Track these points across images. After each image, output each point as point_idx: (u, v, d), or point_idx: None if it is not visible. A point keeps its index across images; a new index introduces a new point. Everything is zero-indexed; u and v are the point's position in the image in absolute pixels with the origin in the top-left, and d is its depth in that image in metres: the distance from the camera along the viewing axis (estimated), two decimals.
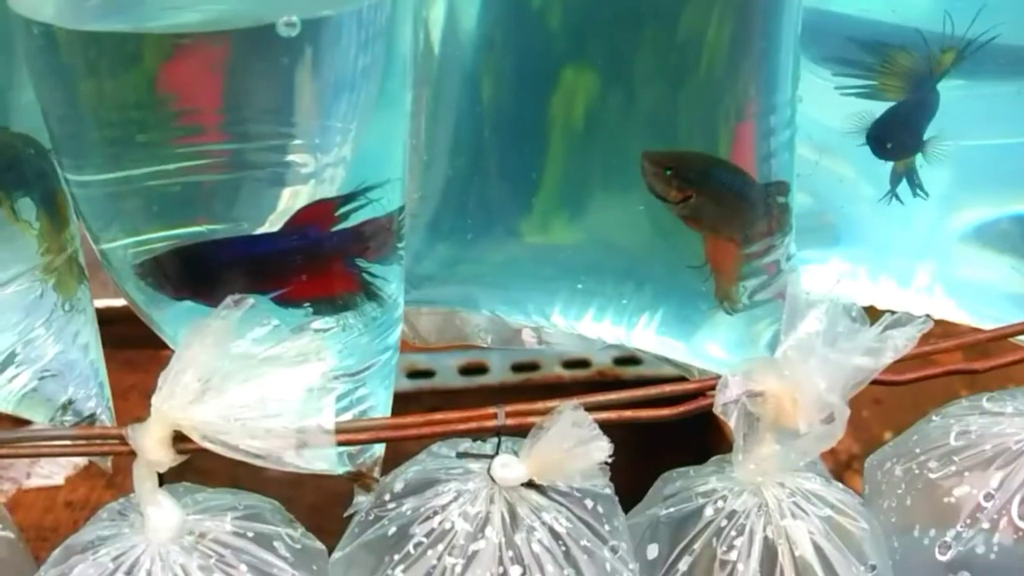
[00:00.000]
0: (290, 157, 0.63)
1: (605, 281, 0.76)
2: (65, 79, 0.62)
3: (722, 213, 0.71)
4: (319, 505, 1.12)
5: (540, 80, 0.69)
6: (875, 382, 0.68)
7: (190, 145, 0.62)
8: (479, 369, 1.65)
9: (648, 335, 0.77)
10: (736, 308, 0.74)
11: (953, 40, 0.76)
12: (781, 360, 0.67)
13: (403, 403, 1.61)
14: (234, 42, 0.60)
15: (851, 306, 0.67)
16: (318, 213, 0.66)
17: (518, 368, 1.65)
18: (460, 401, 1.60)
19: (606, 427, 0.68)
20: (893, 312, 0.67)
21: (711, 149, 0.70)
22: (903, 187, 0.82)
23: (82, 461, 1.31)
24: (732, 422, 0.67)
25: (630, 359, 1.65)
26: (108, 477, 1.37)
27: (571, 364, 1.66)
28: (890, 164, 0.81)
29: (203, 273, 0.66)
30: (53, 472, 1.32)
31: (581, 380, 1.65)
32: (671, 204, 0.69)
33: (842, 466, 1.32)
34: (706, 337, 0.75)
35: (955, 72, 0.77)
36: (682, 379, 0.75)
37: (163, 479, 1.36)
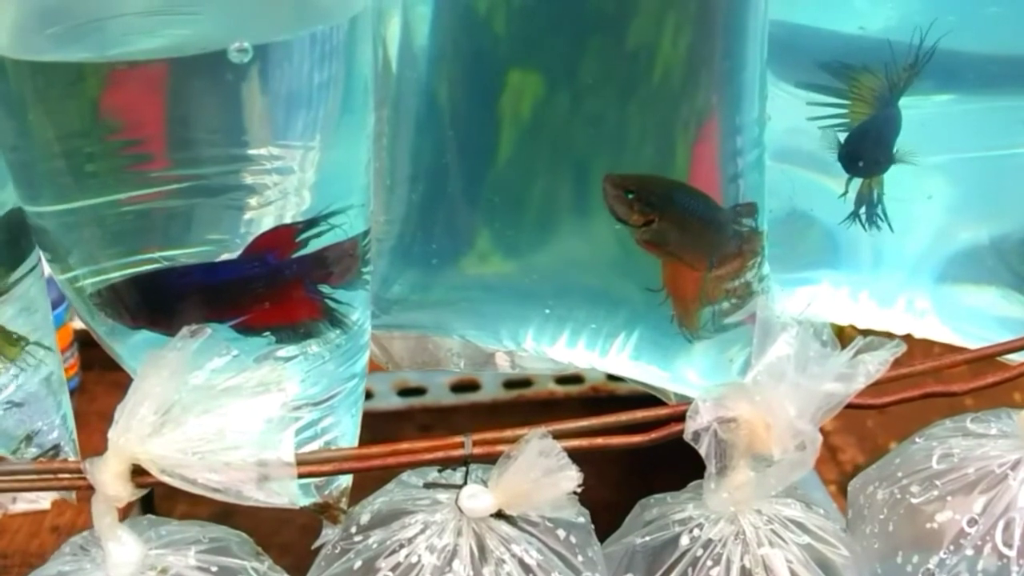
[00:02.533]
0: (245, 182, 0.62)
1: (577, 305, 0.74)
2: (14, 109, 0.61)
3: (684, 238, 0.69)
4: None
5: (491, 91, 0.67)
6: (851, 406, 0.66)
7: (141, 173, 0.60)
8: (471, 386, 1.65)
9: (622, 359, 0.75)
10: (696, 335, 0.72)
11: (913, 54, 0.74)
12: (752, 385, 0.66)
13: (395, 421, 1.61)
14: (182, 68, 0.58)
15: (821, 329, 0.65)
16: (278, 239, 0.64)
17: (510, 385, 1.64)
18: (452, 419, 1.60)
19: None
20: (865, 335, 0.65)
21: (670, 167, 0.68)
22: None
23: None
24: (703, 450, 0.66)
25: None
26: None
27: (564, 380, 1.66)
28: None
29: (160, 302, 0.65)
30: (39, 497, 1.31)
31: (574, 396, 1.64)
32: (633, 228, 0.68)
33: (848, 478, 1.30)
34: (680, 361, 0.74)
35: (917, 87, 0.76)
36: (657, 403, 0.73)
37: (154, 501, 1.35)
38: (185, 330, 0.63)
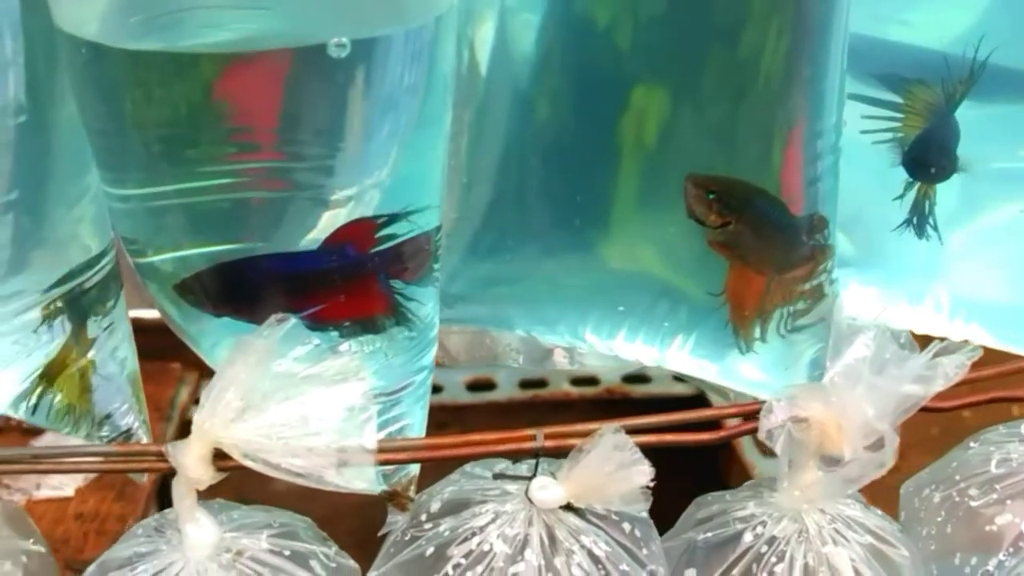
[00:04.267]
0: (335, 177, 0.63)
1: (640, 301, 0.75)
2: (111, 94, 0.61)
3: (756, 244, 0.70)
4: (329, 517, 1.11)
5: (605, 100, 0.68)
6: (921, 409, 0.67)
7: (237, 162, 0.61)
8: (487, 385, 1.65)
9: (683, 356, 0.76)
10: (749, 346, 0.73)
11: (968, 67, 0.76)
12: (828, 386, 0.67)
13: None
14: (287, 61, 0.59)
15: (900, 332, 0.67)
16: (358, 232, 0.65)
17: (526, 385, 1.65)
18: (467, 417, 1.60)
19: None
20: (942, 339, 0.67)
21: (765, 171, 0.69)
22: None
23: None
24: (777, 448, 0.67)
25: (639, 377, 1.65)
26: (118, 489, 1.36)
27: (579, 381, 1.66)
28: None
29: (243, 290, 0.66)
30: (63, 483, 1.32)
31: (589, 397, 1.64)
32: (709, 229, 0.69)
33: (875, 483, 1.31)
34: (743, 361, 0.74)
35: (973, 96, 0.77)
36: (700, 399, 0.75)
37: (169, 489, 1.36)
38: (273, 318, 0.64)
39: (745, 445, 1.44)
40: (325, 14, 0.61)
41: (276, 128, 0.60)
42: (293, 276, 0.66)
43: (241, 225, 0.64)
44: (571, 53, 0.68)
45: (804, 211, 0.69)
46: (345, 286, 0.67)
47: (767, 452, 1.42)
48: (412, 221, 0.67)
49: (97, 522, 1.31)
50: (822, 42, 0.66)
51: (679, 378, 1.64)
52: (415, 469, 0.74)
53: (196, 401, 0.76)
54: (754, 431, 0.69)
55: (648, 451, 0.68)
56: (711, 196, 0.68)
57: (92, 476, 1.35)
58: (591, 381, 1.65)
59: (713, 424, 0.75)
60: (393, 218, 0.66)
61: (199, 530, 0.68)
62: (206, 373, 0.77)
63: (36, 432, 1.41)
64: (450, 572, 0.69)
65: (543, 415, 1.63)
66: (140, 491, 1.39)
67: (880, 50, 0.77)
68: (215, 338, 0.68)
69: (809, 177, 0.69)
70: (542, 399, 1.64)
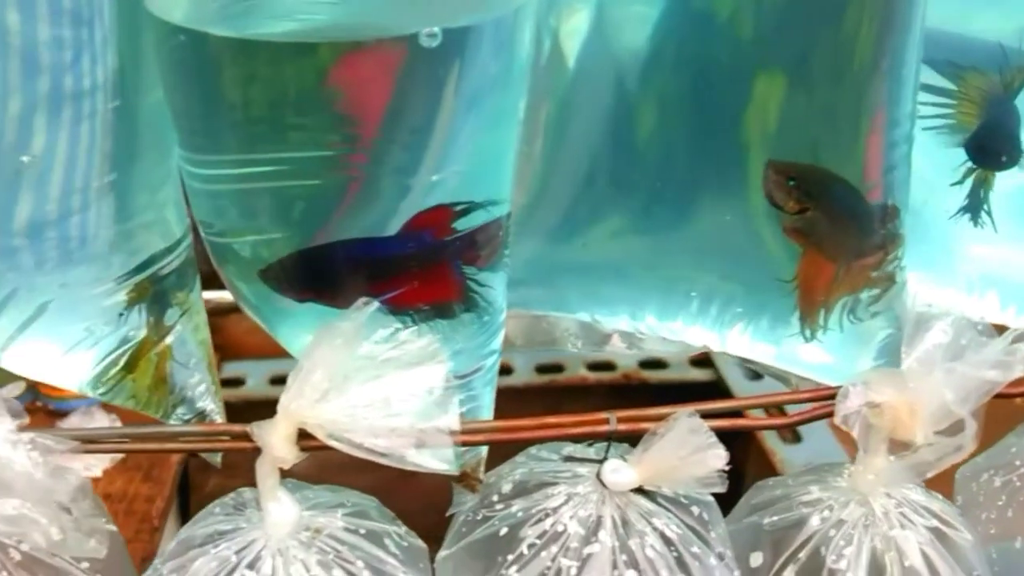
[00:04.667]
0: (420, 165, 0.64)
1: (705, 286, 0.77)
2: (206, 78, 0.62)
3: (831, 231, 0.71)
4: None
5: (727, 91, 0.69)
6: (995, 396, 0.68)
7: (336, 149, 0.62)
8: (503, 370, 1.65)
9: (743, 341, 0.77)
10: (814, 333, 0.74)
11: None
12: (906, 372, 0.68)
13: None
14: (397, 51, 0.60)
15: (978, 319, 0.68)
16: (436, 219, 0.66)
17: (542, 369, 1.66)
18: None
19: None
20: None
21: (853, 157, 0.70)
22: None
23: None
24: (855, 432, 0.68)
25: (656, 362, 1.66)
26: (144, 470, 1.37)
27: (596, 366, 1.67)
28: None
29: (327, 276, 0.67)
30: (92, 464, 1.32)
31: (606, 383, 1.65)
32: (785, 215, 0.70)
33: None
34: (806, 344, 0.75)
35: None
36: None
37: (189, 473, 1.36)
38: (359, 301, 0.64)
39: (767, 433, 1.45)
40: (404, 4, 0.63)
41: (379, 117, 0.61)
42: (373, 261, 0.67)
43: (323, 209, 0.65)
44: (689, 46, 0.69)
45: (881, 199, 0.70)
46: (421, 272, 0.68)
47: (789, 440, 1.44)
48: (487, 209, 0.67)
49: (125, 503, 1.32)
50: (903, 29, 0.67)
51: (696, 364, 1.65)
52: (484, 451, 0.75)
53: None
54: (827, 416, 0.70)
55: None
56: (791, 183, 0.69)
57: (119, 457, 1.36)
58: (608, 366, 1.66)
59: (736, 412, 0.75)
60: (471, 206, 0.67)
61: (280, 508, 0.69)
62: None
63: (62, 414, 1.42)
64: (525, 551, 0.70)
65: (560, 400, 1.64)
66: (166, 472, 1.40)
67: (932, 37, 0.77)
68: (297, 321, 0.69)
69: (887, 164, 0.70)
70: (559, 384, 1.65)
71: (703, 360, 1.63)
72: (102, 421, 1.46)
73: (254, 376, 1.59)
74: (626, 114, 0.70)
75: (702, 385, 1.64)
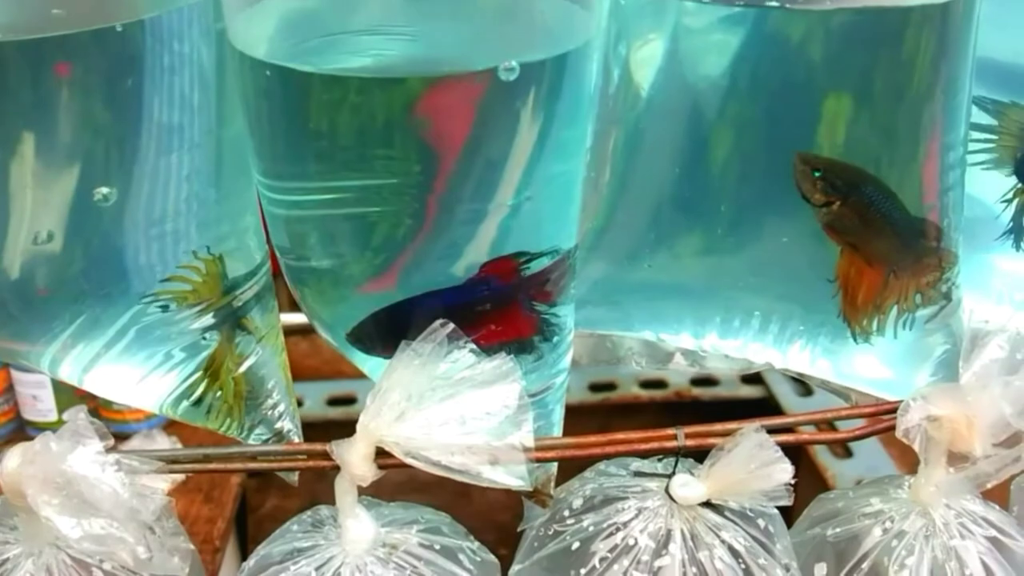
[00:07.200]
0: (495, 192, 0.66)
1: (763, 304, 0.78)
2: (295, 109, 0.65)
3: (865, 230, 0.73)
4: None
5: (800, 112, 0.71)
6: None
7: (412, 176, 0.65)
8: None
9: (804, 357, 0.79)
10: (865, 337, 0.76)
11: None
12: (964, 386, 0.70)
13: None
14: (471, 83, 0.62)
15: None
16: (503, 268, 0.69)
17: (595, 388, 1.67)
18: None
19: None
20: None
21: (908, 177, 0.72)
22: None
23: (181, 476, 1.33)
24: (916, 445, 0.70)
25: (707, 380, 1.68)
26: (205, 492, 1.39)
27: (648, 384, 1.68)
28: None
29: (409, 330, 0.69)
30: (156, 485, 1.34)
31: (658, 400, 1.67)
32: (817, 210, 0.71)
33: None
34: (865, 359, 0.77)
35: None
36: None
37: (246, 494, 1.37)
38: (436, 323, 0.67)
39: (818, 448, 1.47)
40: (471, 40, 0.65)
41: (460, 146, 0.64)
42: (449, 310, 0.69)
43: (404, 235, 0.67)
44: (764, 70, 0.70)
45: (939, 218, 0.72)
46: (495, 315, 0.71)
47: (840, 455, 1.45)
48: (551, 255, 0.70)
49: (187, 524, 1.33)
50: (957, 55, 0.69)
51: (747, 380, 1.67)
52: (554, 467, 0.77)
53: None
54: (885, 431, 0.72)
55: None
56: (816, 174, 0.70)
57: (180, 478, 1.38)
58: (660, 384, 1.68)
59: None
60: (532, 257, 0.70)
61: (359, 525, 0.71)
62: None
63: (123, 437, 1.44)
64: (597, 565, 0.72)
65: (611, 417, 1.66)
66: (227, 494, 1.42)
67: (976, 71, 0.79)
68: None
69: (943, 186, 0.72)
70: (611, 402, 1.66)
71: (754, 377, 1.64)
72: (163, 443, 1.48)
73: (311, 397, 1.61)
74: (700, 140, 0.72)
75: (753, 402, 1.66)
